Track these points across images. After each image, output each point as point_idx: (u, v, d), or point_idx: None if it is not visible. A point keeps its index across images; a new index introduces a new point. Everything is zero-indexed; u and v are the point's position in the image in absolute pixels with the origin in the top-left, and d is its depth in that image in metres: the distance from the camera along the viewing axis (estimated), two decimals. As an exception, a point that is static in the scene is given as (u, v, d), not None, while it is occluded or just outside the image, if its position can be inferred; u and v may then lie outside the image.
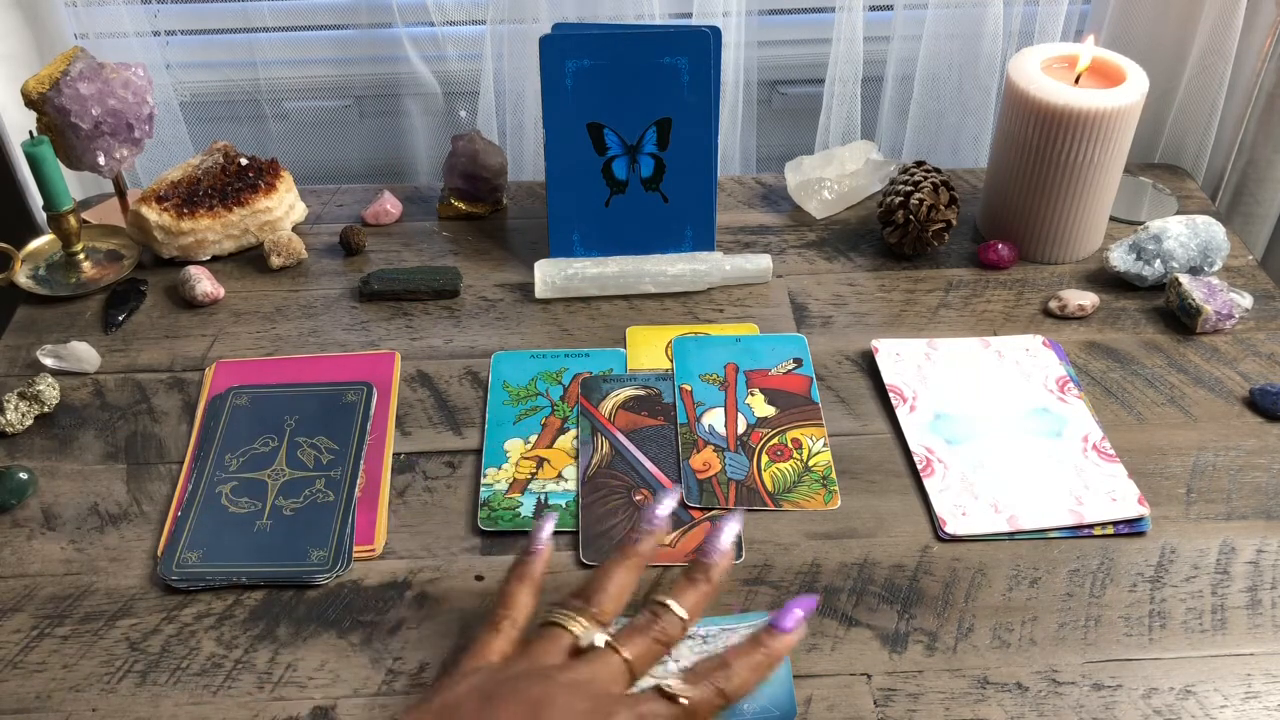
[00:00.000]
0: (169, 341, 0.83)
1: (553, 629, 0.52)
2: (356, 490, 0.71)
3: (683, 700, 0.49)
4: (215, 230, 0.89)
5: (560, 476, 0.72)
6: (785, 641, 0.52)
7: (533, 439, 0.74)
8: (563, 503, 0.70)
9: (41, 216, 0.90)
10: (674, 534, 0.68)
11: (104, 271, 0.89)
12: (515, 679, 0.48)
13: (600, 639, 0.51)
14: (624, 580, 0.55)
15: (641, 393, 0.78)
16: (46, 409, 0.76)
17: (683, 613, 0.53)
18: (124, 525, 0.69)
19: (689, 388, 0.78)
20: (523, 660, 0.51)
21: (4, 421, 0.75)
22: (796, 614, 0.53)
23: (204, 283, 0.86)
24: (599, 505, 0.70)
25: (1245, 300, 0.84)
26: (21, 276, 0.87)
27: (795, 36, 1.09)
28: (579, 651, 0.51)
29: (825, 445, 0.74)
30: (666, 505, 0.58)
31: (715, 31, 0.82)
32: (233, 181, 0.91)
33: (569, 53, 0.82)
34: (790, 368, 0.80)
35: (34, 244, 0.91)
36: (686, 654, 0.57)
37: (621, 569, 0.55)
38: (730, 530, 0.56)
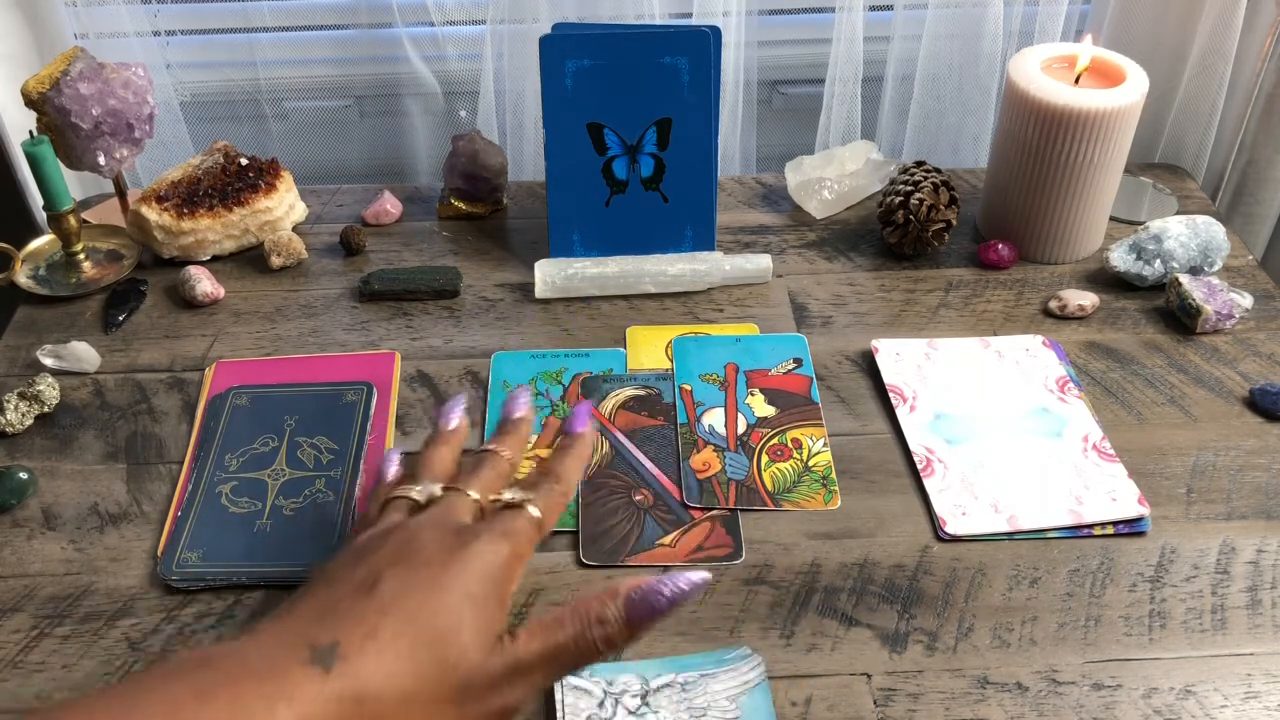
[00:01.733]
0: (169, 341, 0.83)
1: (391, 503, 0.53)
2: (356, 490, 0.71)
3: (532, 509, 0.51)
4: (215, 230, 0.89)
5: (560, 476, 0.72)
6: (584, 437, 0.57)
7: (533, 439, 0.74)
8: (563, 503, 0.70)
9: (41, 216, 0.90)
10: (674, 534, 0.68)
11: (104, 271, 0.89)
12: (373, 538, 0.50)
13: (438, 488, 0.53)
14: (441, 453, 0.57)
15: (641, 393, 0.78)
16: (46, 409, 0.76)
17: (505, 451, 0.56)
18: (124, 525, 0.69)
19: (689, 388, 0.78)
20: (375, 528, 0.52)
21: (4, 421, 0.75)
22: (581, 414, 0.58)
23: (204, 283, 0.86)
24: (599, 505, 0.70)
25: (1245, 300, 0.84)
26: (21, 276, 0.88)
27: (795, 36, 1.09)
28: (423, 507, 0.53)
29: (825, 445, 0.74)
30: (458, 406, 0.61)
31: (715, 31, 0.82)
32: (233, 181, 0.91)
33: (569, 53, 0.82)
34: (790, 368, 0.80)
35: (34, 244, 0.91)
36: (666, 704, 0.57)
37: (434, 446, 0.58)
38: (583, 413, 0.59)
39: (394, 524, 0.51)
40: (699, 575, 0.49)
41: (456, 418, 0.60)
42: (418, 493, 0.53)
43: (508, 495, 0.52)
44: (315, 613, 0.44)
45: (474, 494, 0.52)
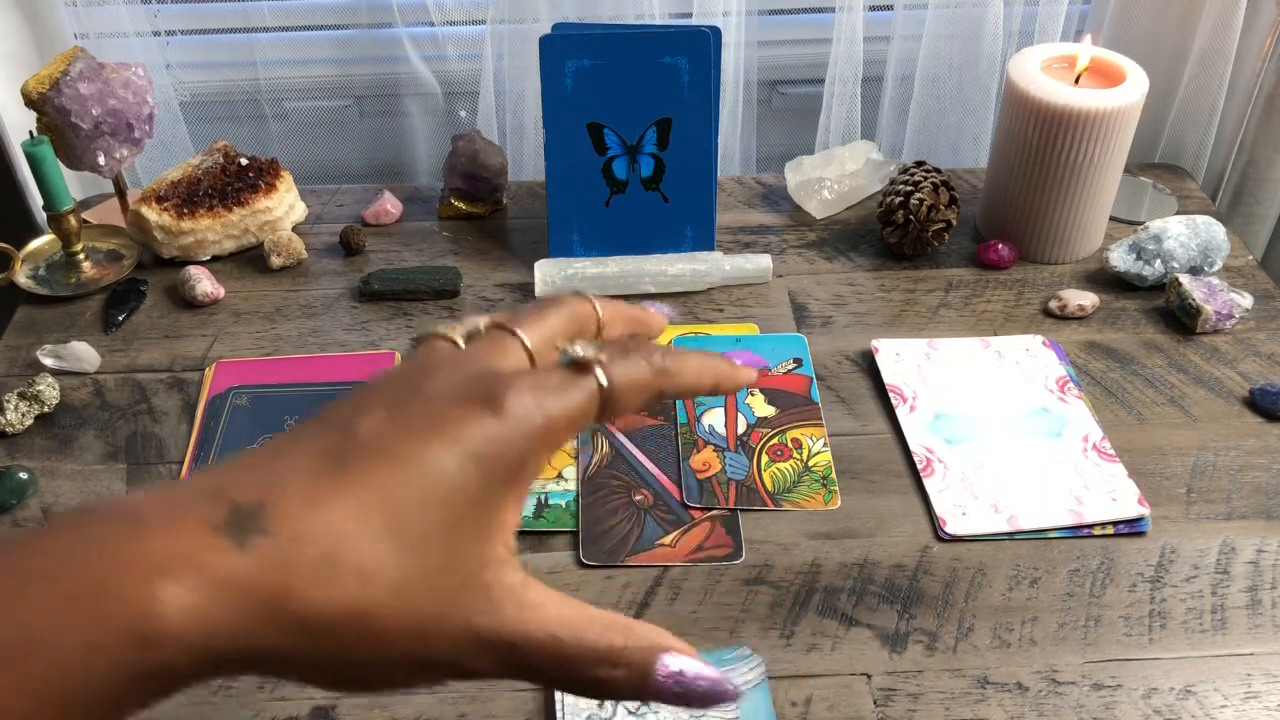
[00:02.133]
0: (169, 341, 0.83)
1: (425, 340, 0.38)
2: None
3: (600, 373, 0.35)
4: (215, 230, 0.89)
5: (560, 476, 0.72)
6: (739, 373, 0.41)
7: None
8: (563, 503, 0.70)
9: (41, 216, 0.90)
10: (674, 534, 0.68)
11: (104, 271, 0.89)
12: (380, 376, 0.36)
13: (482, 322, 0.38)
14: (542, 310, 0.39)
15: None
16: (46, 409, 0.76)
17: (601, 308, 0.40)
18: (124, 525, 0.69)
19: (689, 388, 0.78)
20: (394, 367, 0.39)
21: (4, 421, 0.75)
22: (752, 360, 0.42)
23: (204, 283, 0.86)
24: (599, 505, 0.70)
25: (1245, 300, 0.84)
26: (21, 276, 0.87)
27: (795, 36, 1.09)
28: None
29: (825, 445, 0.74)
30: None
31: (715, 31, 0.82)
32: (233, 181, 0.91)
33: (569, 53, 0.82)
34: (790, 368, 0.80)
35: (34, 244, 0.91)
36: (665, 707, 0.57)
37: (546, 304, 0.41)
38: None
39: (411, 361, 0.37)
40: (736, 687, 0.35)
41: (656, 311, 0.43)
42: (457, 330, 0.37)
43: (575, 348, 0.36)
44: (264, 460, 0.32)
45: (527, 337, 0.37)
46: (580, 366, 0.35)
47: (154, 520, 0.28)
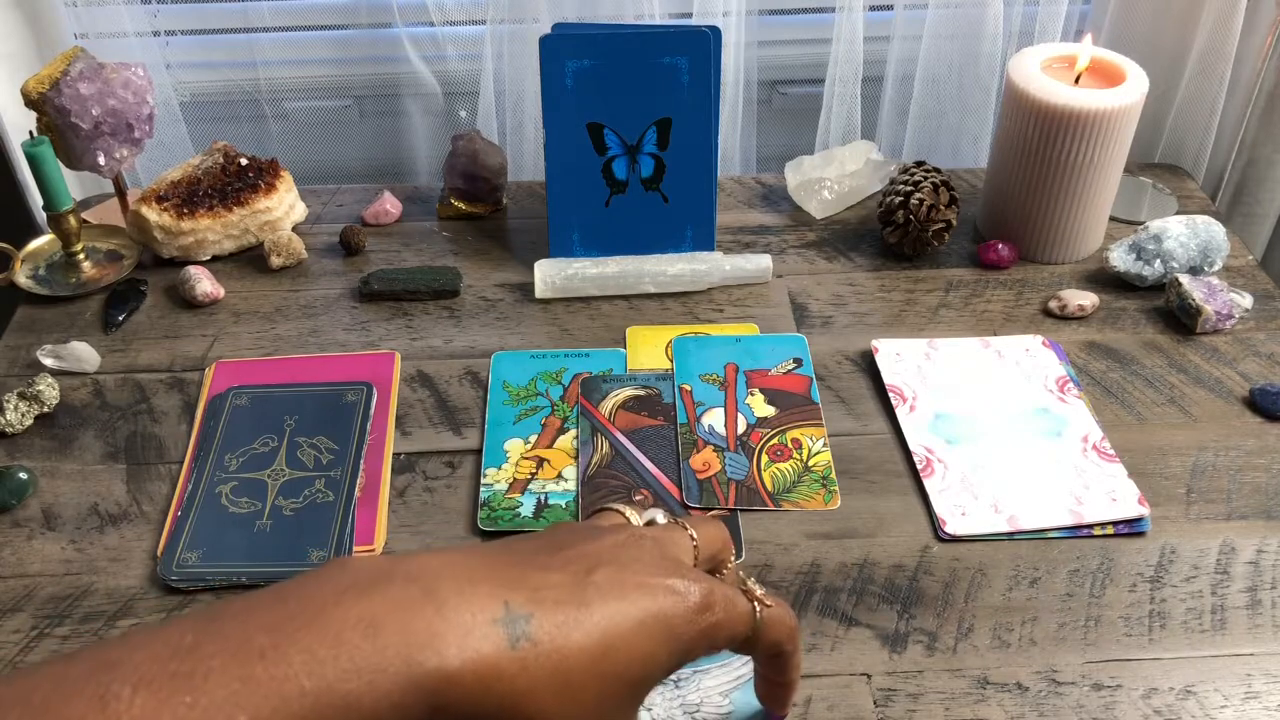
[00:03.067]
0: (169, 341, 0.83)
1: (602, 513, 0.49)
2: (356, 490, 0.71)
3: (760, 606, 0.45)
4: (215, 230, 0.89)
5: (560, 477, 0.72)
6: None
7: (533, 439, 0.75)
8: (562, 503, 0.70)
9: (41, 216, 0.90)
10: (674, 534, 0.68)
11: (104, 271, 0.89)
12: (581, 529, 0.45)
13: (661, 515, 0.48)
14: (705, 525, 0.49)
15: (641, 393, 0.78)
16: (46, 409, 0.76)
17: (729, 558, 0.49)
18: (124, 525, 0.69)
19: (689, 388, 0.78)
20: (583, 523, 0.47)
21: (4, 421, 0.75)
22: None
23: (204, 283, 0.86)
24: (599, 505, 0.70)
25: (1245, 300, 0.84)
26: (21, 276, 0.87)
27: (795, 36, 1.09)
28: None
29: (825, 445, 0.74)
30: None
31: (715, 31, 0.82)
32: (233, 181, 0.91)
33: (569, 53, 0.82)
34: (790, 368, 0.80)
35: (34, 244, 0.91)
36: (659, 701, 0.57)
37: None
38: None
39: (609, 524, 0.46)
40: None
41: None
42: (633, 513, 0.48)
43: (752, 583, 0.46)
44: (516, 571, 0.40)
45: (695, 536, 0.46)
46: (748, 596, 0.45)
47: (448, 602, 0.36)
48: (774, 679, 0.51)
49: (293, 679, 0.33)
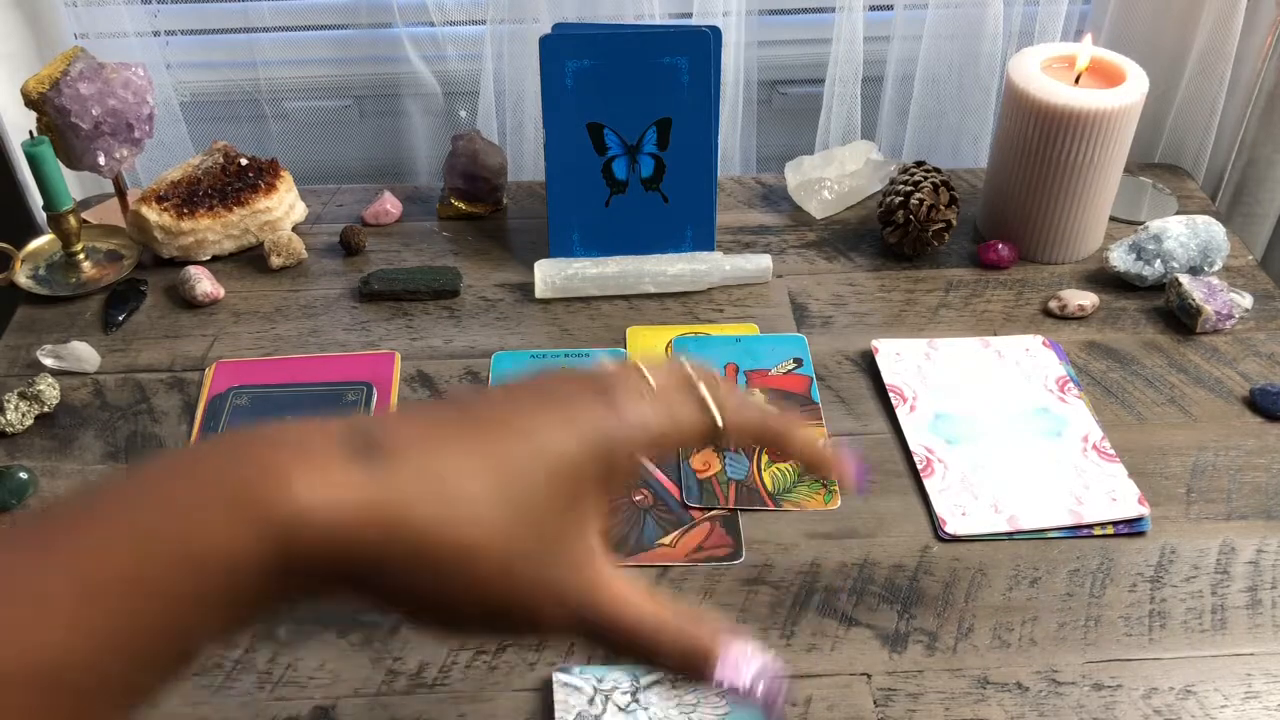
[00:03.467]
0: (169, 341, 0.83)
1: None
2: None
3: (714, 409, 0.37)
4: (215, 230, 0.89)
5: (560, 476, 0.72)
6: (847, 474, 0.41)
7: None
8: (563, 503, 0.70)
9: (41, 216, 0.90)
10: (674, 534, 0.68)
11: (104, 271, 0.89)
12: (507, 380, 0.40)
13: (609, 362, 0.41)
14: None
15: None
16: (46, 409, 0.76)
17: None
18: (124, 525, 0.69)
19: (689, 388, 0.78)
20: None
21: (4, 421, 0.75)
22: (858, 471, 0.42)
23: (204, 283, 0.86)
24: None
25: (1245, 300, 0.84)
26: (21, 276, 0.87)
27: (795, 36, 1.09)
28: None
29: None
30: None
31: (715, 31, 0.82)
32: (233, 181, 0.91)
33: (569, 53, 0.82)
34: (790, 368, 0.80)
35: (34, 244, 0.91)
36: (656, 701, 0.57)
37: None
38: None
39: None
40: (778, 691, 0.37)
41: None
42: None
43: (701, 387, 0.38)
44: (389, 418, 0.36)
45: (652, 377, 0.38)
46: (701, 403, 0.38)
47: (290, 441, 0.32)
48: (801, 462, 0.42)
49: (114, 527, 0.30)
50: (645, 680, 0.59)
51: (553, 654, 0.61)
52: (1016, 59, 0.87)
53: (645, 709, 0.57)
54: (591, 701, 0.57)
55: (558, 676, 0.59)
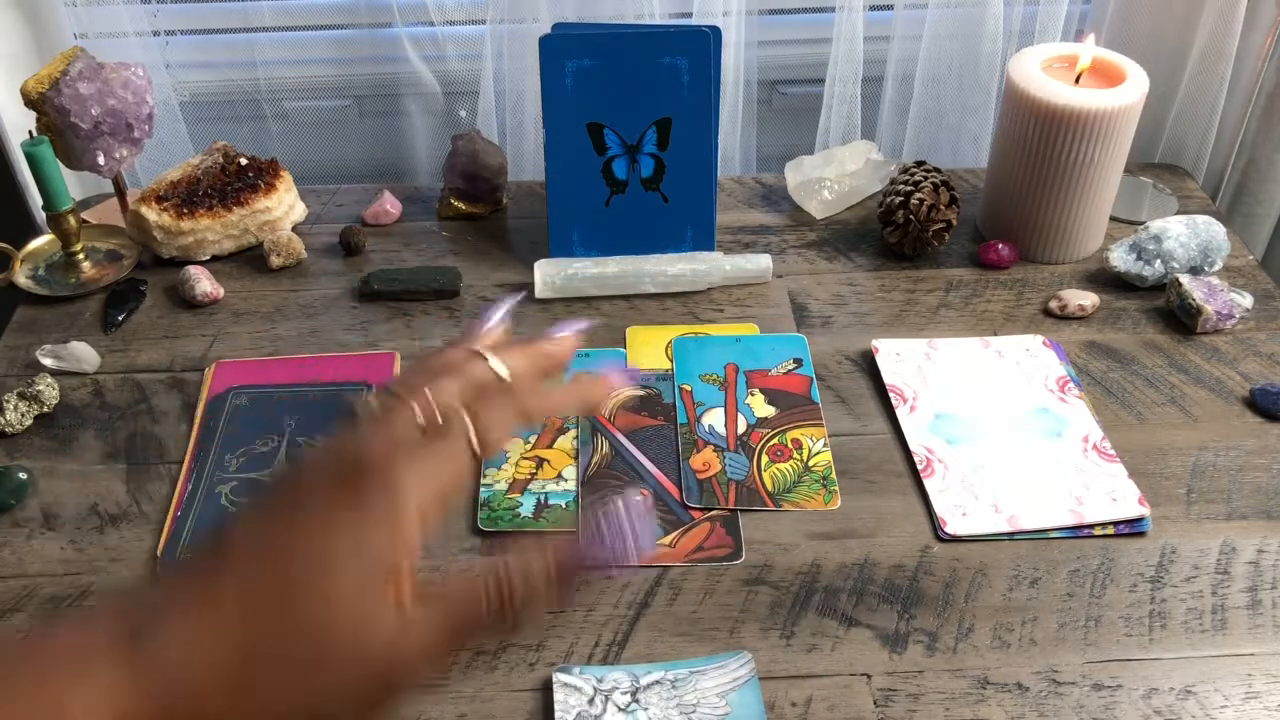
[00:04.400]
0: (169, 341, 0.83)
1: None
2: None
3: (473, 441, 0.39)
4: (215, 230, 0.89)
5: (560, 476, 0.72)
6: (563, 346, 0.47)
7: (533, 439, 0.74)
8: (563, 503, 0.70)
9: (41, 216, 0.90)
10: (674, 534, 0.68)
11: (104, 271, 0.89)
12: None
13: (374, 397, 0.41)
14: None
15: (641, 393, 0.78)
16: (46, 409, 0.76)
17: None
18: (124, 525, 0.69)
19: (689, 388, 0.78)
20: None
21: (4, 421, 0.75)
22: (570, 326, 0.48)
23: (204, 283, 0.86)
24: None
25: (1245, 300, 0.84)
26: (21, 276, 0.87)
27: (795, 36, 1.09)
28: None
29: (825, 445, 0.74)
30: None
31: (715, 31, 0.82)
32: (232, 181, 0.91)
33: (569, 53, 0.82)
34: (790, 368, 0.80)
35: (34, 244, 0.91)
36: (656, 701, 0.57)
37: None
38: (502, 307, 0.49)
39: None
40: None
41: (494, 319, 0.49)
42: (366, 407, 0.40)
43: (480, 347, 0.42)
44: (176, 567, 0.36)
45: (418, 406, 0.39)
46: (453, 433, 0.38)
47: (72, 643, 0.33)
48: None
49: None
50: (645, 680, 0.59)
51: (553, 654, 0.61)
52: (1016, 59, 0.87)
53: (645, 709, 0.57)
54: (591, 701, 0.57)
55: (558, 676, 0.59)
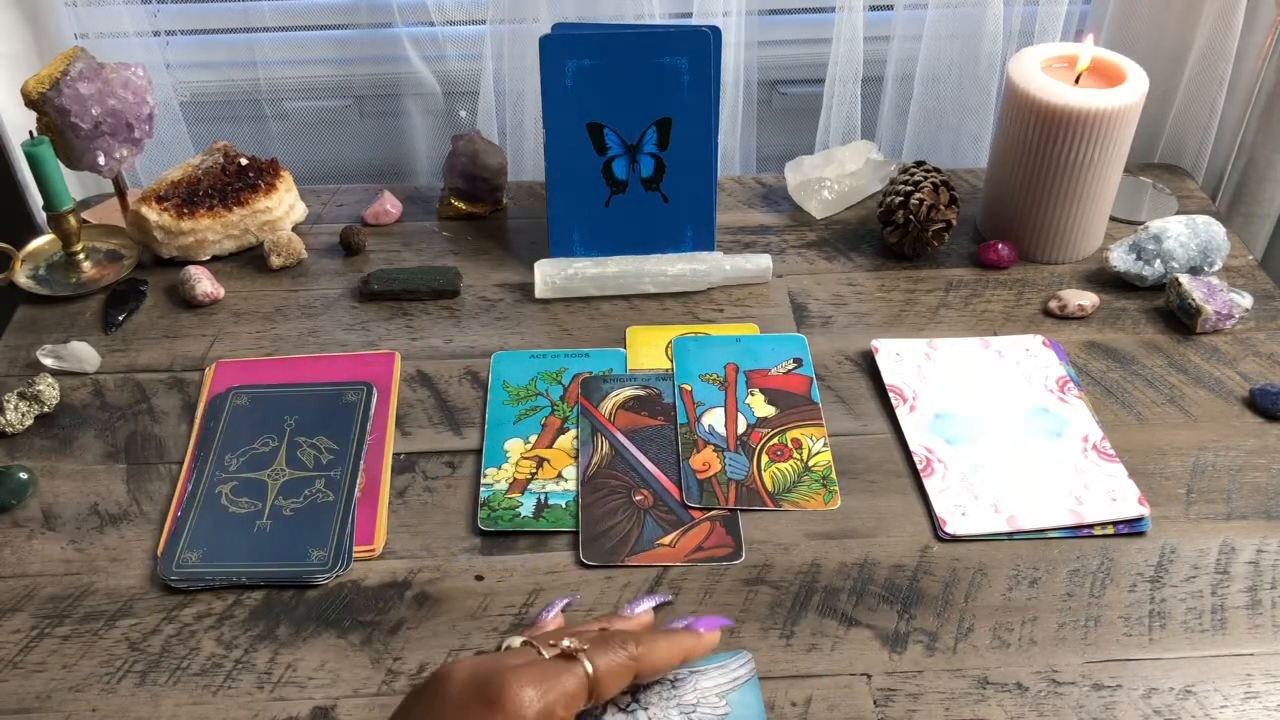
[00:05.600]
0: (169, 341, 0.83)
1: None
2: (356, 490, 0.71)
3: (586, 664, 0.49)
4: (215, 230, 0.89)
5: (560, 476, 0.72)
6: (703, 641, 0.56)
7: (533, 439, 0.75)
8: (562, 503, 0.70)
9: (41, 216, 0.90)
10: (674, 534, 0.68)
11: (104, 271, 0.89)
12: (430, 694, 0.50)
13: (517, 640, 0.53)
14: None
15: (641, 393, 0.78)
16: (46, 409, 0.76)
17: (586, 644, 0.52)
18: (124, 525, 0.69)
19: (689, 388, 0.78)
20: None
21: (4, 421, 0.75)
22: (715, 622, 0.57)
23: (204, 283, 0.86)
24: (599, 505, 0.70)
25: (1245, 300, 0.84)
26: (21, 276, 0.87)
27: (795, 36, 1.09)
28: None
29: (825, 445, 0.74)
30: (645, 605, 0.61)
31: (715, 31, 0.82)
32: (233, 181, 0.91)
33: (569, 53, 0.82)
34: (790, 368, 0.80)
35: (34, 244, 0.91)
36: (656, 702, 0.57)
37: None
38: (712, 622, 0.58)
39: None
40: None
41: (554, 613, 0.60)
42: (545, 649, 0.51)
43: (565, 642, 0.50)
44: None
45: (537, 643, 0.50)
46: (569, 656, 0.48)
47: None
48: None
49: None
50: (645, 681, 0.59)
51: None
52: (1016, 59, 0.87)
53: (645, 709, 0.57)
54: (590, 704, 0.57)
55: None
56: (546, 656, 0.49)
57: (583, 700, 0.49)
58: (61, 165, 0.85)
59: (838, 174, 0.96)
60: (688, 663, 0.55)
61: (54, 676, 0.60)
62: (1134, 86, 0.83)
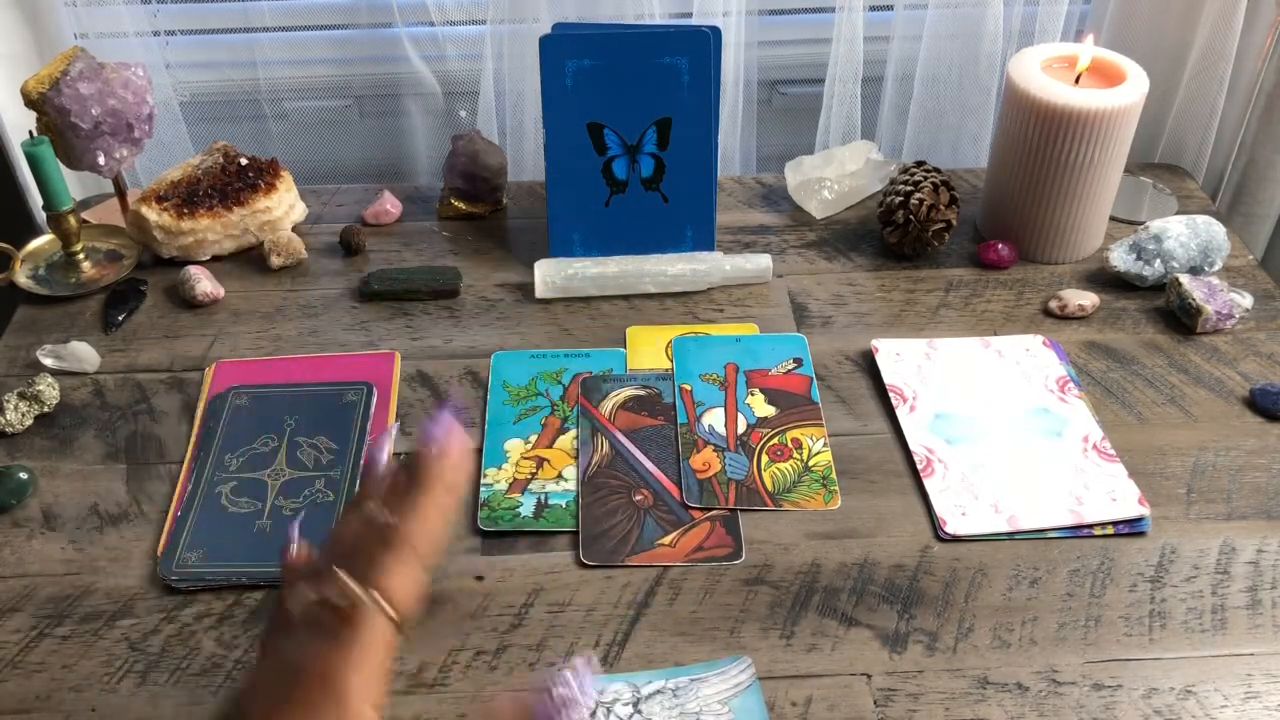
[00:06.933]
0: (169, 341, 0.83)
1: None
2: (356, 490, 0.71)
3: (387, 610, 0.44)
4: (215, 230, 0.89)
5: (560, 476, 0.72)
6: (451, 470, 0.47)
7: (533, 439, 0.75)
8: (563, 503, 0.70)
9: (41, 216, 0.90)
10: (674, 534, 0.68)
11: (104, 271, 0.89)
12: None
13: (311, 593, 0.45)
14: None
15: (641, 393, 0.78)
16: (46, 409, 0.76)
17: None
18: (124, 525, 0.69)
19: (689, 388, 0.78)
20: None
21: (4, 421, 0.75)
22: (442, 419, 0.47)
23: (204, 283, 0.86)
24: (599, 505, 0.70)
25: (1245, 300, 0.84)
26: (21, 276, 0.87)
27: (795, 36, 1.09)
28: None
29: (825, 445, 0.74)
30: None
31: (715, 31, 0.82)
32: (233, 181, 0.91)
33: (569, 53, 0.82)
34: (790, 368, 0.80)
35: (34, 244, 0.91)
36: (658, 711, 0.57)
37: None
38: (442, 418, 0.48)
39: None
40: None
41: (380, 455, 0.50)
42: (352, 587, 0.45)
43: (347, 589, 0.44)
44: None
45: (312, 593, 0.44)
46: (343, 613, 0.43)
47: None
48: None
49: None
50: (646, 690, 0.59)
51: (553, 654, 0.61)
52: (1016, 59, 0.87)
53: (648, 719, 0.57)
54: (593, 715, 0.57)
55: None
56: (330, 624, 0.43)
57: (395, 647, 0.44)
58: (61, 165, 0.85)
59: (838, 174, 0.96)
60: (458, 495, 0.48)
61: (54, 676, 0.60)
62: (1134, 86, 0.83)
